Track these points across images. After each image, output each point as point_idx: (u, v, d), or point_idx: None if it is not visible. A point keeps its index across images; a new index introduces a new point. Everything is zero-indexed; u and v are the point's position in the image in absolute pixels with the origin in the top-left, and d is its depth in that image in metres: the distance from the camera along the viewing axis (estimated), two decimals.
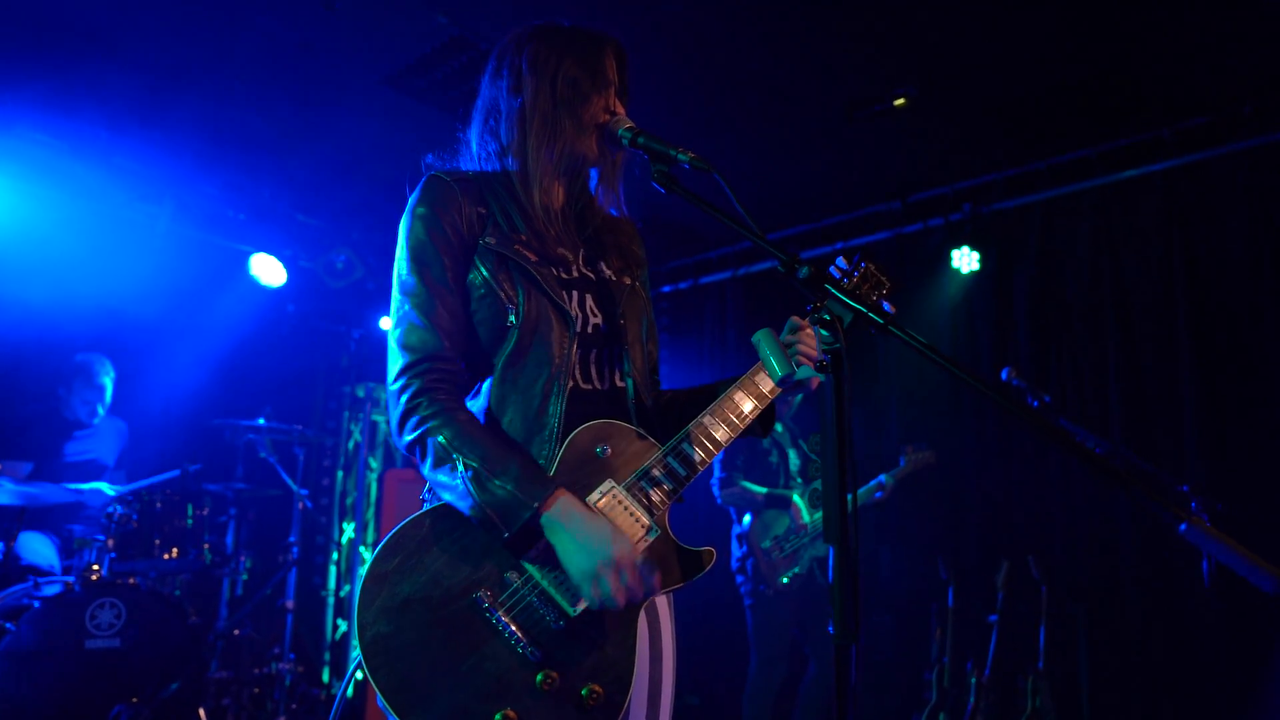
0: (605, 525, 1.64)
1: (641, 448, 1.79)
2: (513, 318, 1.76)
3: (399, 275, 1.80)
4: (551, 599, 1.65)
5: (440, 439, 1.66)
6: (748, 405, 1.83)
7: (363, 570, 6.91)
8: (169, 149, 5.56)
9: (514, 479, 1.62)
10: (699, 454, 1.77)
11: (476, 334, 1.81)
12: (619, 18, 4.14)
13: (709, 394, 1.89)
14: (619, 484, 1.73)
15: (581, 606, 1.64)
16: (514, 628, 1.61)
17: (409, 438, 1.70)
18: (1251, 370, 4.57)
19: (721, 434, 1.80)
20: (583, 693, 1.62)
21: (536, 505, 1.60)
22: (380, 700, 1.55)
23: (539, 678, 1.60)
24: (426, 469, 1.69)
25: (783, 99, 4.84)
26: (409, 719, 1.54)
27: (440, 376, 1.73)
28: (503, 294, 1.77)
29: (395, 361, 1.75)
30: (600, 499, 1.71)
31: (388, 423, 1.78)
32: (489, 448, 1.66)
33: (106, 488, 4.78)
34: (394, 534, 1.67)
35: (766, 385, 1.84)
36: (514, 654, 1.61)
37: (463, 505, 1.64)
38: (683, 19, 4.16)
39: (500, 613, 1.62)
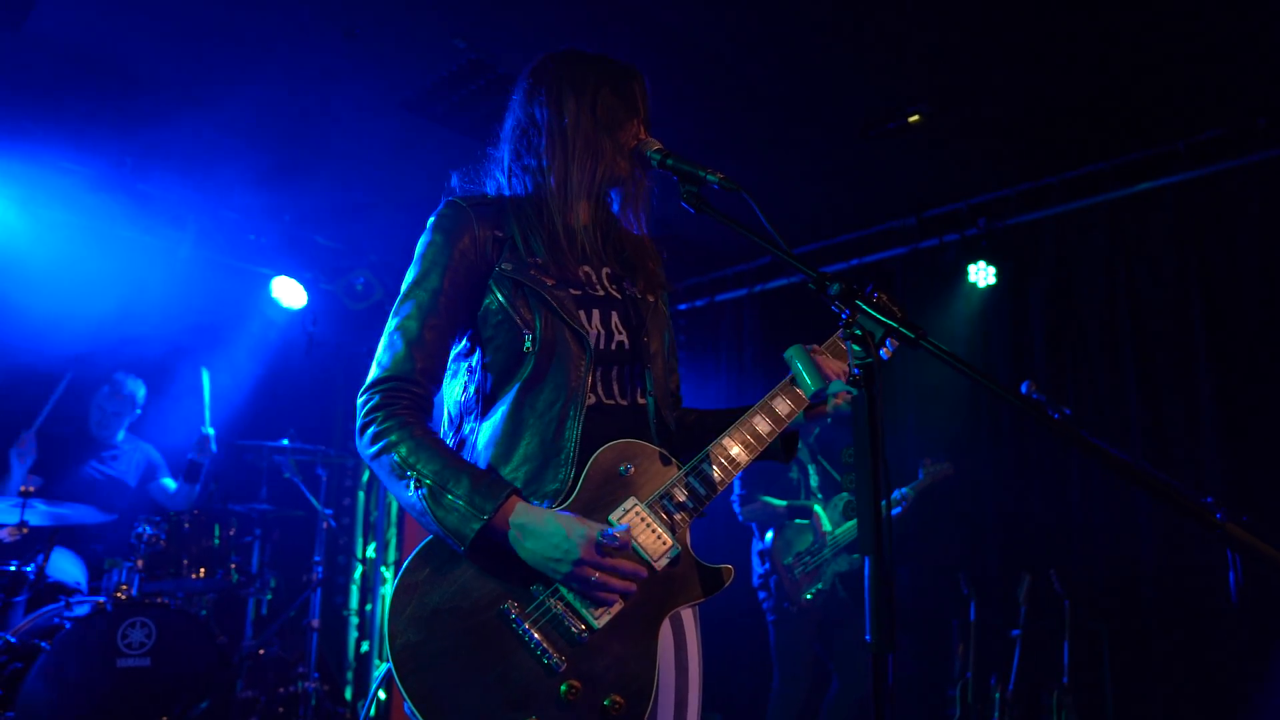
0: (556, 524, 1.64)
1: (663, 467, 1.82)
2: (529, 343, 1.79)
3: (400, 293, 1.84)
4: (576, 610, 1.68)
5: (395, 455, 1.68)
6: (765, 427, 1.87)
7: (383, 589, 6.92)
8: (191, 175, 5.66)
9: (464, 492, 1.64)
10: (719, 474, 1.81)
11: (493, 359, 1.84)
12: (634, 40, 4.21)
13: (729, 416, 1.92)
14: (641, 502, 1.77)
15: (604, 619, 1.67)
16: (539, 638, 1.64)
17: (368, 451, 1.73)
18: (1269, 381, 4.55)
19: (741, 455, 1.84)
20: (605, 703, 1.65)
21: (486, 517, 1.62)
22: (408, 707, 1.57)
23: (563, 688, 1.63)
24: (388, 484, 1.72)
25: (798, 117, 4.89)
26: None
27: (402, 394, 1.75)
28: (519, 319, 1.80)
29: (370, 373, 1.79)
30: (623, 516, 1.74)
31: None
32: (444, 462, 1.68)
33: (169, 483, 4.98)
34: (424, 545, 1.71)
35: (784, 408, 1.88)
36: (539, 664, 1.64)
37: (423, 522, 1.66)
38: (697, 40, 4.21)
39: (526, 624, 1.65)
